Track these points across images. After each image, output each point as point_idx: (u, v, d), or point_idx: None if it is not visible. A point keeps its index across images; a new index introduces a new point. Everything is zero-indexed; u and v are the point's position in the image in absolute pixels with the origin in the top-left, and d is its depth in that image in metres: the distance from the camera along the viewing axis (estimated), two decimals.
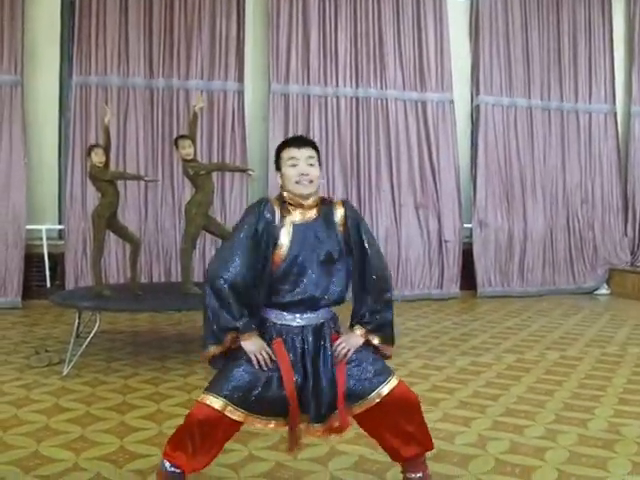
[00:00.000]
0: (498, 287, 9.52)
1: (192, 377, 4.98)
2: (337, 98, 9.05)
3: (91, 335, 5.19)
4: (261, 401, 2.58)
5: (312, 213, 2.70)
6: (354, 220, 2.73)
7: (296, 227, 2.66)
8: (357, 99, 9.13)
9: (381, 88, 9.21)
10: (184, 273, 5.96)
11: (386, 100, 9.20)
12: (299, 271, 2.63)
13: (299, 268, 2.63)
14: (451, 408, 4.26)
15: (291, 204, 2.69)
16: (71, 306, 5.67)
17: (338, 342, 2.67)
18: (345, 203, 2.76)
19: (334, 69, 9.03)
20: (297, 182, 2.65)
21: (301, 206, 2.69)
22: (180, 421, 2.67)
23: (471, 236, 9.52)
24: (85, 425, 3.89)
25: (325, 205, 2.75)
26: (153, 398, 4.44)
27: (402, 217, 9.22)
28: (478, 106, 9.62)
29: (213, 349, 2.63)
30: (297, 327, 2.66)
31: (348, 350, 2.66)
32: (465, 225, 9.53)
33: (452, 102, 9.47)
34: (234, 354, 2.63)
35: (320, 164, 2.75)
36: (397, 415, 2.68)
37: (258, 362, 2.57)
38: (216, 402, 2.54)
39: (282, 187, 2.72)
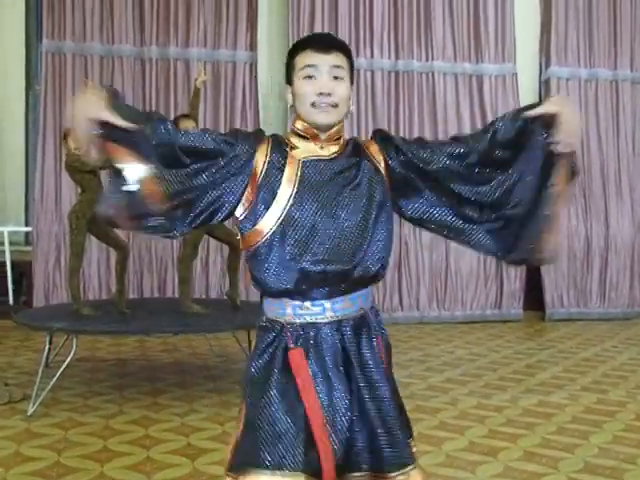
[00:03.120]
0: (572, 308, 9.42)
1: (191, 417, 4.96)
2: (372, 72, 9.01)
3: (65, 364, 5.17)
4: (308, 446, 2.08)
5: (333, 148, 2.25)
6: (393, 144, 2.28)
7: (307, 165, 2.20)
8: (396, 73, 9.09)
9: (426, 59, 9.17)
10: (183, 287, 5.95)
11: (432, 74, 9.15)
12: (319, 232, 2.13)
13: (319, 227, 2.14)
14: (514, 460, 4.19)
15: (303, 136, 2.24)
16: (40, 328, 5.66)
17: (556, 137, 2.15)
18: (378, 135, 2.33)
19: (368, 35, 9.00)
20: (313, 105, 2.19)
21: (317, 138, 2.23)
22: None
23: None
24: (54, 479, 3.85)
25: (350, 142, 2.31)
26: (142, 443, 4.41)
27: None
28: (548, 80, 9.54)
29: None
30: (330, 324, 2.18)
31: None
32: None
33: (515, 75, 9.42)
34: (253, 399, 2.15)
35: (352, 81, 2.29)
36: None
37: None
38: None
39: (293, 109, 2.29)
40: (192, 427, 4.72)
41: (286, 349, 2.14)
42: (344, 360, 2.16)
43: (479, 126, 9.17)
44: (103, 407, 5.16)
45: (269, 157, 2.19)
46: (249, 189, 2.16)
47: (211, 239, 6.97)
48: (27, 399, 5.15)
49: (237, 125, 8.65)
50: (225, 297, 6.57)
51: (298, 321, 2.17)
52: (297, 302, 2.17)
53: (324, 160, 2.21)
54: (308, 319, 2.17)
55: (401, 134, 9.03)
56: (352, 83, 2.27)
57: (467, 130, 9.19)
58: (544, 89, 9.64)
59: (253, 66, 8.81)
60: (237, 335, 6.54)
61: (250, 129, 8.41)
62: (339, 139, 2.26)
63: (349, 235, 2.15)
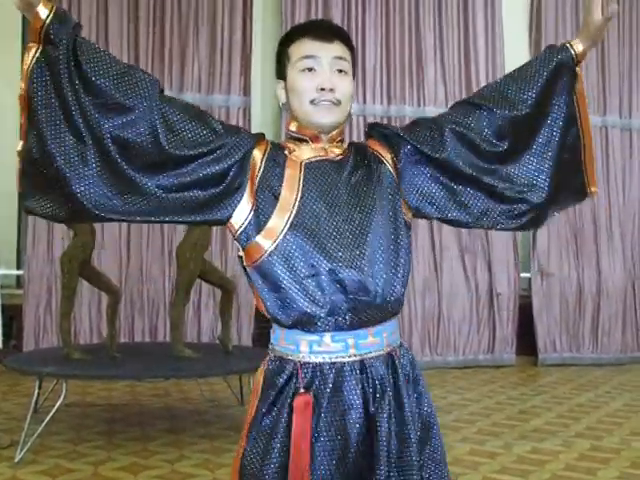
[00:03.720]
0: (565, 353, 9.36)
1: (182, 463, 4.88)
2: (364, 118, 9.05)
3: (54, 409, 5.10)
4: None
5: (337, 150, 2.00)
6: (394, 135, 2.03)
7: (311, 167, 1.94)
8: (389, 119, 9.11)
9: (418, 105, 9.23)
10: (174, 332, 5.90)
11: None
12: (334, 239, 1.85)
13: (334, 233, 1.85)
14: None
15: (300, 139, 1.98)
16: (29, 372, 5.61)
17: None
18: (373, 131, 2.10)
19: (361, 81, 9.04)
20: (313, 102, 1.93)
21: (317, 140, 1.97)
22: None
23: (530, 288, 9.41)
24: None
25: (352, 146, 2.07)
26: None
27: (444, 265, 9.13)
28: None
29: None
30: (352, 364, 1.87)
31: None
32: (522, 275, 9.42)
33: None
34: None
35: (355, 75, 2.04)
36: None
37: None
38: None
39: (285, 108, 2.03)
40: (182, 474, 4.65)
41: (291, 392, 1.84)
42: (369, 412, 1.84)
43: None
44: (92, 453, 5.08)
45: (267, 154, 1.93)
46: (248, 188, 1.90)
47: (204, 283, 6.95)
48: (15, 445, 5.06)
49: None
50: (217, 341, 6.53)
51: (314, 360, 1.85)
52: (315, 337, 1.85)
53: (329, 161, 1.95)
54: (327, 358, 1.85)
55: None
56: (354, 78, 2.02)
57: None
58: None
59: (247, 111, 8.85)
60: (229, 380, 6.50)
61: None
62: (341, 141, 2.02)
63: (368, 243, 1.87)
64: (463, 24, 9.37)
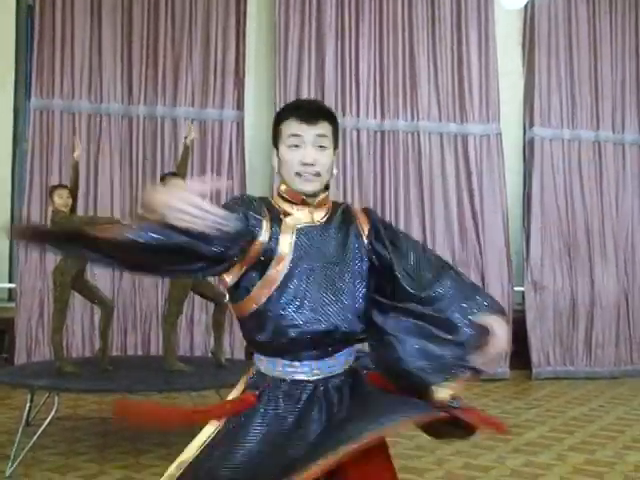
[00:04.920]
0: (559, 366, 9.35)
1: None
2: (358, 131, 9.06)
3: (46, 422, 5.08)
4: None
5: (321, 213, 2.34)
6: (387, 231, 2.41)
7: (301, 233, 2.27)
8: (382, 133, 9.15)
9: (412, 119, 9.24)
10: (167, 345, 5.88)
11: (418, 134, 9.21)
12: (312, 299, 2.22)
13: (313, 294, 2.22)
14: None
15: (291, 201, 2.32)
16: (21, 385, 5.60)
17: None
18: (369, 211, 2.46)
19: (354, 96, 9.07)
20: (298, 174, 2.28)
21: (305, 204, 2.31)
22: None
23: (523, 302, 9.41)
24: None
25: (339, 207, 2.42)
26: None
27: None
28: (532, 140, 9.61)
29: None
30: (316, 381, 2.27)
31: None
32: (516, 288, 9.41)
33: (499, 135, 9.46)
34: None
35: (337, 145, 2.39)
36: None
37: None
38: None
39: (279, 173, 2.35)
40: None
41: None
42: (324, 407, 2.22)
43: (464, 186, 9.22)
44: (84, 467, 5.05)
45: (271, 229, 2.22)
46: (250, 255, 2.19)
47: (196, 296, 6.93)
48: (6, 459, 5.02)
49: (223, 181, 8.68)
50: (210, 355, 6.51)
51: (287, 378, 2.26)
52: (287, 361, 2.26)
53: (316, 227, 2.30)
54: (295, 377, 2.25)
55: (387, 193, 9.07)
56: (336, 147, 2.36)
57: (452, 189, 9.21)
58: (528, 149, 9.71)
59: (240, 125, 8.86)
60: (221, 393, 6.46)
61: (236, 187, 8.30)
62: (326, 204, 2.36)
63: (339, 299, 2.24)
64: (457, 40, 9.41)
